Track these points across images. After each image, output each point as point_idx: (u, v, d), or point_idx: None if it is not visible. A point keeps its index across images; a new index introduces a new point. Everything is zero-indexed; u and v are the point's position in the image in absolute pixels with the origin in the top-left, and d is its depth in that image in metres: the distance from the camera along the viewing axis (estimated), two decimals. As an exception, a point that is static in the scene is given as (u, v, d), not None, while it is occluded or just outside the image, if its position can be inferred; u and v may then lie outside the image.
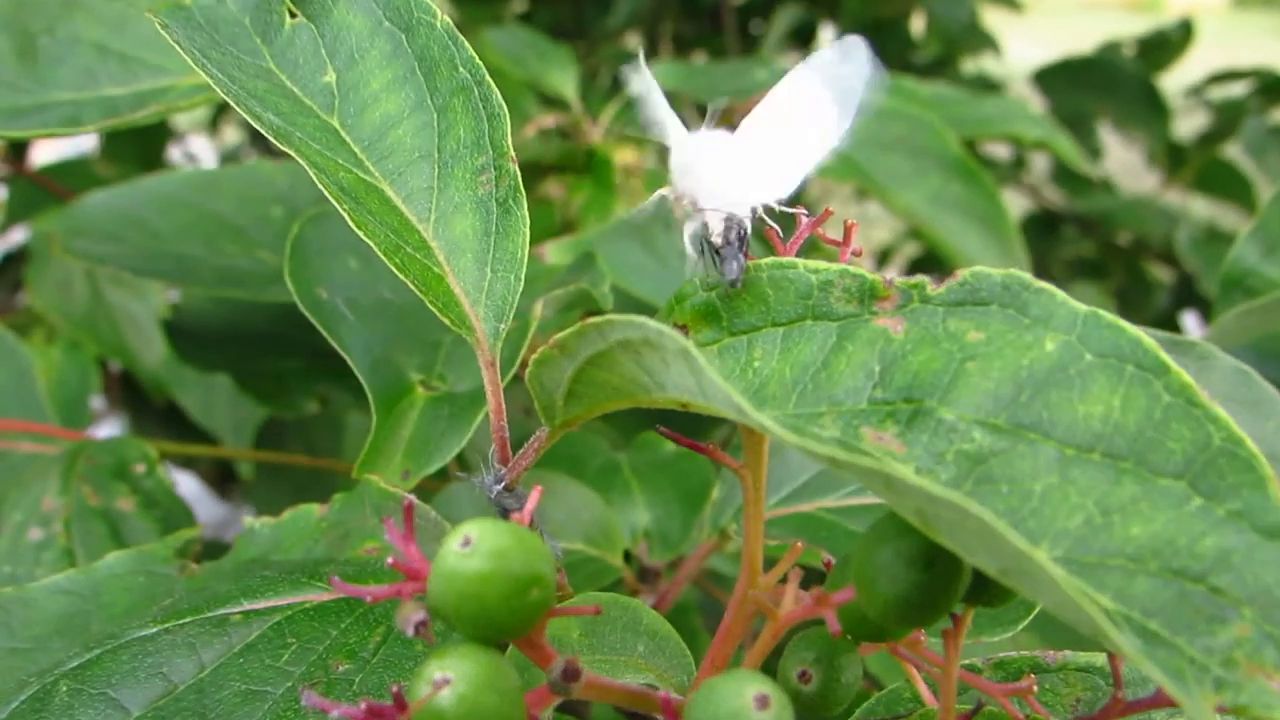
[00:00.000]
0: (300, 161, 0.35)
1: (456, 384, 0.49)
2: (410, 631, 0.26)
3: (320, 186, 0.35)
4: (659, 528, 0.57)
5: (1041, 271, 1.00)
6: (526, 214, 0.36)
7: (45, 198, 0.97)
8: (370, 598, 0.27)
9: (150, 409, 0.99)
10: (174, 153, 1.31)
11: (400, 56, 0.40)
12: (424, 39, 0.40)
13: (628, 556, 0.56)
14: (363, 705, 0.26)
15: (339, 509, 0.46)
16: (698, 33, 1.71)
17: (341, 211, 0.35)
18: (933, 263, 1.56)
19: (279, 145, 0.35)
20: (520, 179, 0.36)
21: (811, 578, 0.52)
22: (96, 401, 1.05)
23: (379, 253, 0.35)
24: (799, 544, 0.31)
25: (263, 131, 0.36)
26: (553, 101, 1.04)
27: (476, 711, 0.25)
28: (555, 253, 0.62)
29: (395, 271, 0.35)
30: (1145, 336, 0.27)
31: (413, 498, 0.30)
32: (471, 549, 0.25)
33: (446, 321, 0.35)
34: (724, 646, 0.32)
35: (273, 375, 0.73)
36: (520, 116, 0.99)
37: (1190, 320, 1.55)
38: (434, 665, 0.25)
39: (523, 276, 0.36)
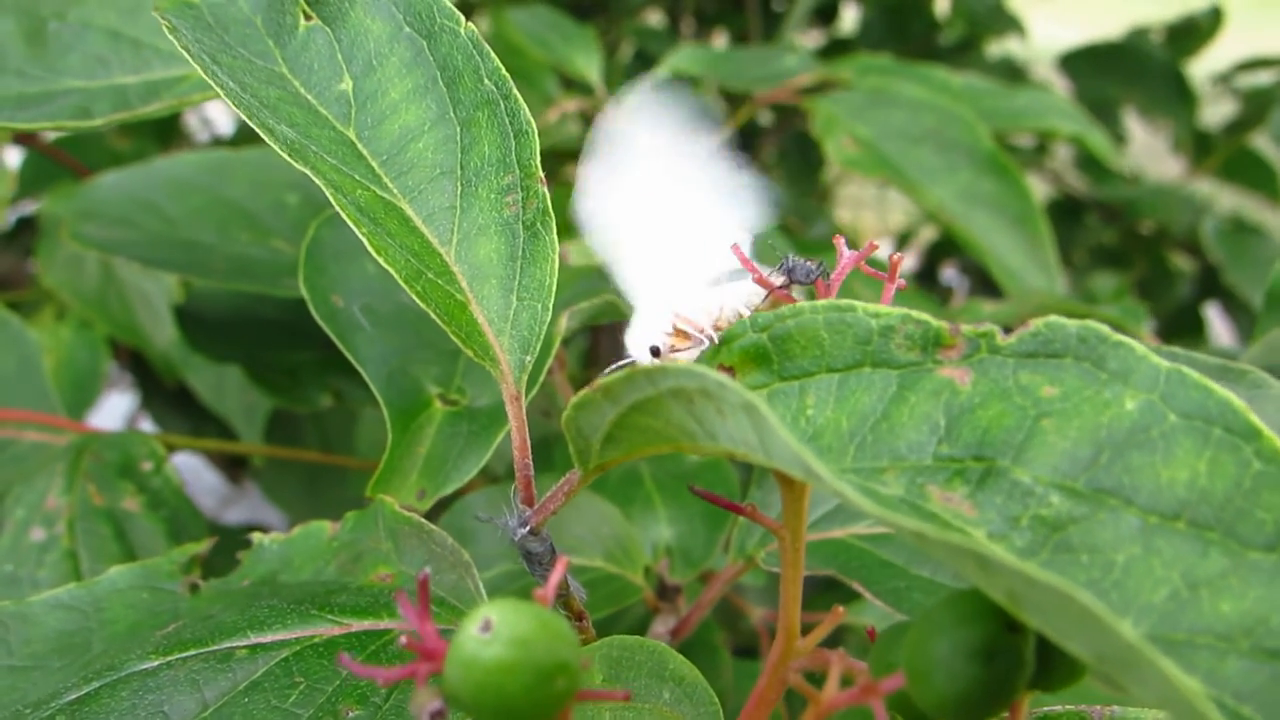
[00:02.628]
0: (317, 181, 0.33)
1: (476, 398, 0.47)
2: (425, 720, 0.24)
3: (337, 208, 0.33)
4: (681, 544, 0.55)
5: (1063, 260, 0.98)
6: (556, 239, 0.34)
7: (58, 170, 0.95)
8: (382, 680, 0.25)
9: (161, 389, 0.97)
10: (190, 118, 1.28)
11: (421, 64, 0.37)
12: (447, 47, 0.37)
13: (646, 572, 0.54)
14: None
15: (351, 529, 0.44)
16: (719, 9, 1.68)
17: (360, 236, 0.32)
18: (952, 247, 1.54)
19: (293, 163, 0.33)
20: (549, 202, 0.34)
21: (836, 594, 0.50)
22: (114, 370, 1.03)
23: (399, 280, 0.32)
24: (840, 609, 0.29)
25: (276, 148, 0.34)
26: (575, 84, 1.01)
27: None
28: (579, 254, 0.59)
29: (417, 300, 0.32)
30: (1235, 398, 0.25)
31: (428, 571, 0.28)
32: (492, 636, 0.23)
33: (469, 353, 0.33)
34: (759, 711, 0.30)
35: (285, 368, 0.71)
36: (542, 98, 0.97)
37: (1214, 313, 1.52)
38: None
39: (550, 306, 0.34)
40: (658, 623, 0.50)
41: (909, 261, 1.72)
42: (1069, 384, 0.26)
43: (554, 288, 0.34)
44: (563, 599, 0.35)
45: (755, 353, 0.29)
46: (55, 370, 0.85)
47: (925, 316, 0.28)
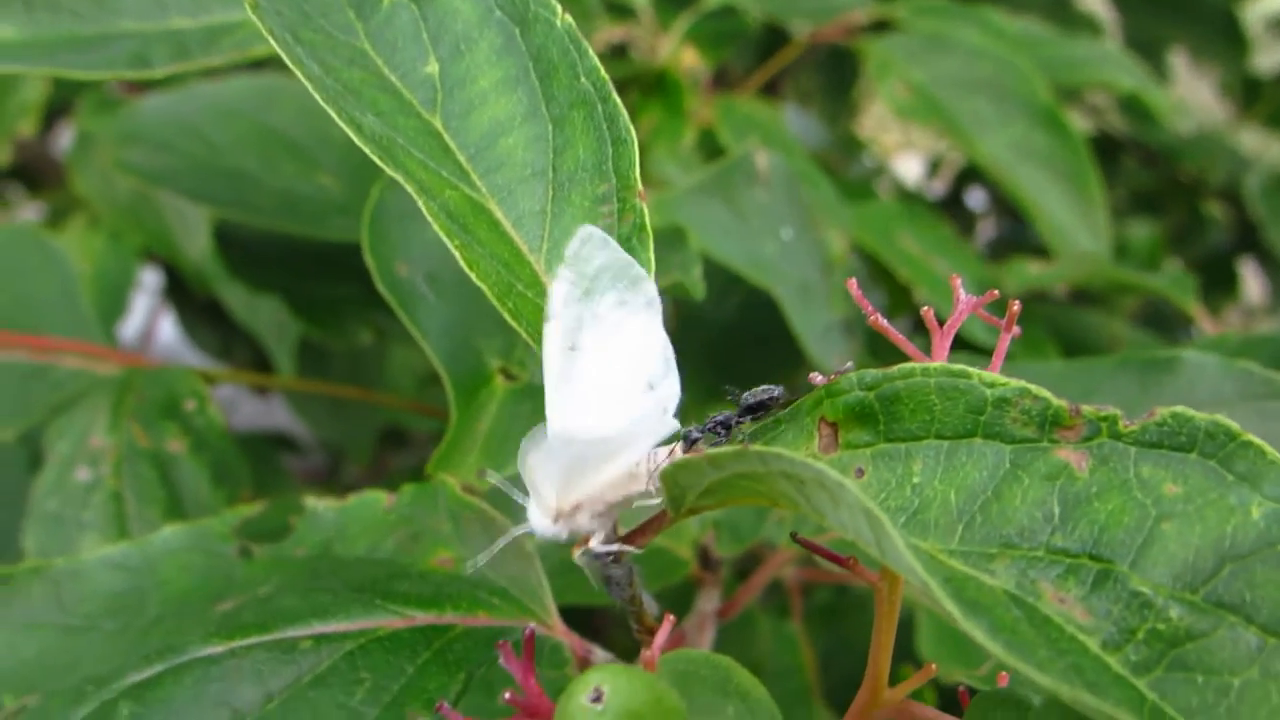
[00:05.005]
0: (406, 186, 0.32)
1: (536, 373, 0.46)
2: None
3: (428, 216, 0.32)
4: (730, 518, 0.55)
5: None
6: (652, 258, 0.33)
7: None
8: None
9: (191, 301, 0.96)
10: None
11: (512, 53, 0.36)
12: (541, 38, 0.36)
13: (693, 545, 0.53)
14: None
15: (408, 504, 0.44)
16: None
17: (450, 248, 0.31)
18: (980, 172, 1.52)
19: (384, 166, 0.32)
20: (648, 218, 0.33)
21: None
22: (150, 277, 1.02)
23: (491, 298, 0.31)
24: (933, 666, 0.29)
25: (364, 147, 0.32)
26: (620, 9, 0.99)
27: None
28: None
29: (508, 318, 0.31)
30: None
31: (534, 626, 0.28)
32: (604, 707, 0.23)
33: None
34: (842, 761, 0.30)
35: (325, 302, 0.70)
36: (585, 23, 0.94)
37: (1250, 270, 1.51)
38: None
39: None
40: (703, 599, 0.50)
41: (936, 185, 1.70)
42: (1193, 483, 0.25)
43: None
44: (635, 614, 0.35)
45: (860, 410, 0.28)
46: (86, 281, 0.84)
47: (1045, 394, 0.27)
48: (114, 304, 0.84)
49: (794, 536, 0.30)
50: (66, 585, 0.43)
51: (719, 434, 0.31)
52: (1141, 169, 1.58)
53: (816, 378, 0.30)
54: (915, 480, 0.27)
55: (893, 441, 0.28)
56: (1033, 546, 0.26)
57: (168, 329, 1.13)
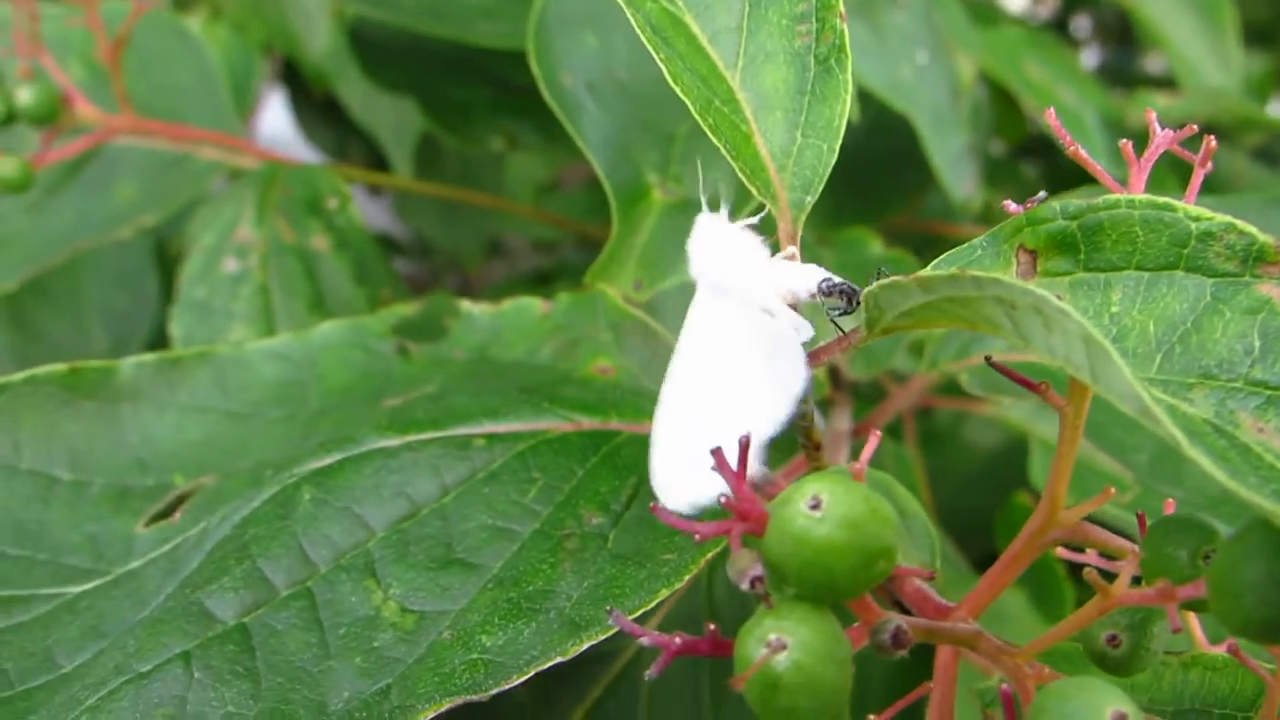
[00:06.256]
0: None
1: (693, 188, 0.47)
2: (745, 585, 0.25)
3: (636, 28, 0.32)
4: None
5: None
6: (850, 79, 0.33)
7: None
8: (699, 536, 0.26)
9: (309, 100, 0.97)
10: None
11: None
12: None
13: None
14: (676, 639, 0.26)
15: (565, 311, 0.45)
16: None
17: (659, 62, 0.32)
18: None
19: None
20: (847, 39, 0.33)
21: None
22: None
23: (694, 111, 0.32)
24: (1111, 489, 0.30)
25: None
26: None
27: (813, 683, 0.24)
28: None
29: (708, 133, 0.32)
30: None
31: (749, 434, 0.29)
32: (823, 515, 0.24)
33: (752, 189, 0.33)
34: (1007, 572, 0.31)
35: (458, 104, 0.71)
36: None
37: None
38: (770, 625, 0.24)
39: (837, 148, 0.33)
40: (836, 417, 0.52)
41: (1042, 11, 1.66)
42: (1399, 322, 0.26)
43: (842, 129, 0.33)
44: (805, 429, 0.36)
45: (1061, 239, 0.29)
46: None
47: (1251, 229, 0.27)
48: (242, 98, 0.85)
49: (988, 360, 0.31)
50: (231, 372, 0.45)
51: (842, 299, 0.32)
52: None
53: (1011, 206, 0.30)
54: (1114, 309, 0.28)
55: (1092, 271, 0.29)
56: (1231, 378, 0.27)
57: (270, 121, 1.14)
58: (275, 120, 1.09)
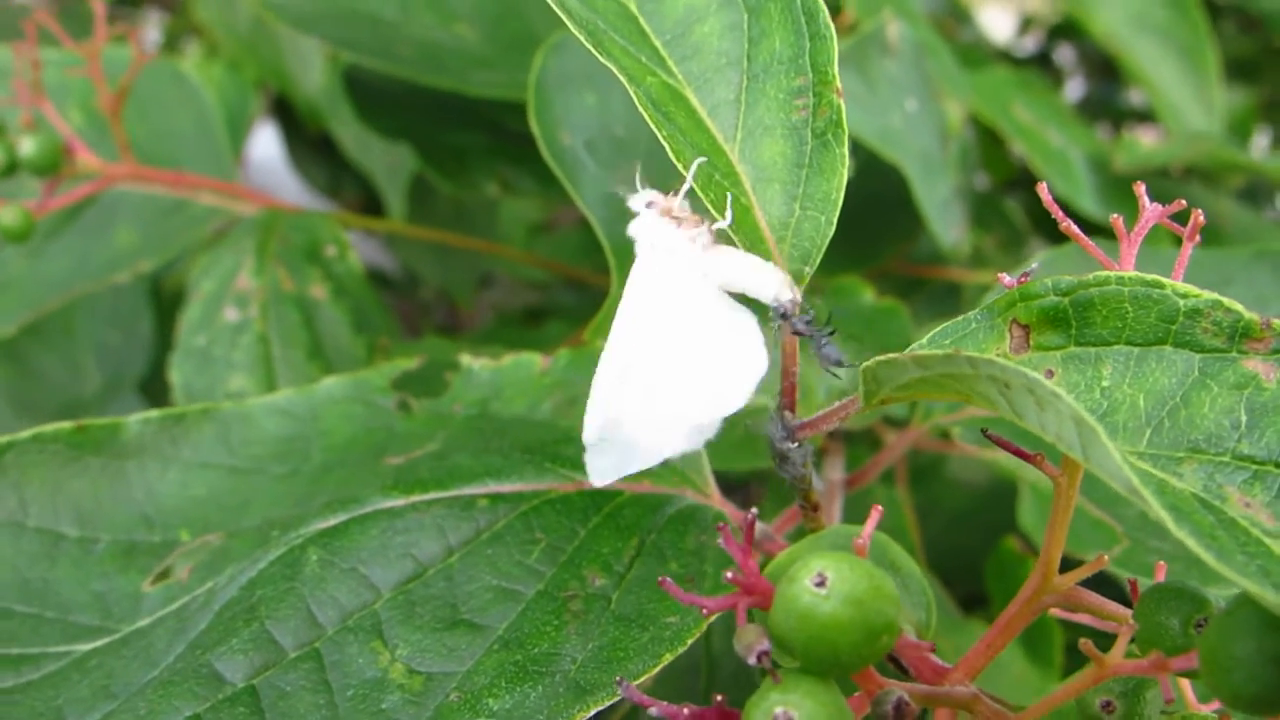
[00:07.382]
0: (618, 75, 0.33)
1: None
2: (752, 660, 0.25)
3: (638, 104, 0.33)
4: (855, 387, 0.56)
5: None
6: (847, 153, 0.34)
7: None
8: (706, 611, 0.27)
9: (303, 137, 0.98)
10: None
11: (708, -62, 0.37)
12: (738, -75, 0.36)
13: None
14: (685, 711, 0.27)
15: (564, 367, 0.46)
16: None
17: (660, 138, 0.33)
18: (1070, 30, 1.49)
19: (595, 54, 0.33)
20: (845, 115, 0.34)
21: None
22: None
23: (696, 189, 0.33)
24: (1104, 557, 0.31)
25: (575, 32, 0.33)
26: None
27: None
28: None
29: (708, 206, 0.33)
30: None
31: (755, 513, 0.30)
32: (828, 592, 0.25)
33: (752, 260, 0.34)
34: (1003, 636, 0.32)
35: (453, 150, 0.72)
36: None
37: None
38: (776, 699, 0.25)
39: (835, 220, 0.34)
40: (829, 467, 0.52)
41: (1027, 42, 1.67)
42: (1381, 399, 0.27)
43: (839, 202, 0.34)
44: (803, 491, 0.37)
45: (1054, 314, 0.30)
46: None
47: (1237, 306, 0.28)
48: (237, 135, 0.86)
49: (985, 433, 0.32)
50: (234, 427, 0.45)
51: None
52: (1240, 34, 1.55)
53: (1005, 279, 0.31)
54: (1105, 384, 0.29)
55: (1084, 345, 0.30)
56: (1219, 452, 0.27)
57: (260, 148, 1.14)
58: (264, 147, 1.09)
